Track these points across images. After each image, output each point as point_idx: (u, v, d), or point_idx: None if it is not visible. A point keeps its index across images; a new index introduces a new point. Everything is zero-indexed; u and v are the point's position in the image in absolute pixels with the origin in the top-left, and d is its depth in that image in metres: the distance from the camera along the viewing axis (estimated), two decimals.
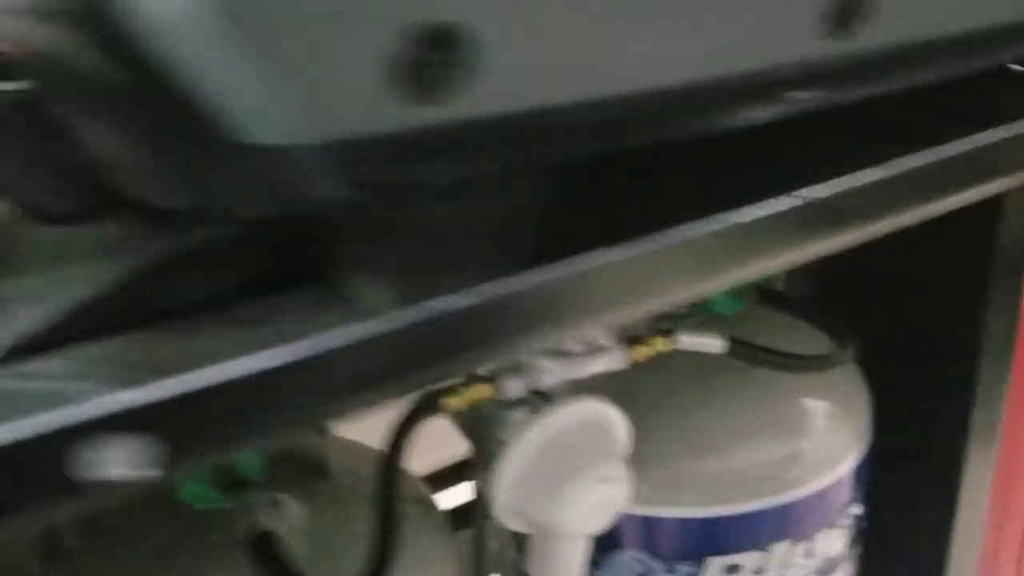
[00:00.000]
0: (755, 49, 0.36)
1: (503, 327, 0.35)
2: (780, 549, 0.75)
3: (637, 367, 0.67)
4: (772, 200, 0.41)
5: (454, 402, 0.59)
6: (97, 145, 0.33)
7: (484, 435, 0.66)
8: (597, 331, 0.59)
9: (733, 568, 0.75)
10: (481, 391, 0.60)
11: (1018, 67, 0.56)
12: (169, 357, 0.33)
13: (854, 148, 0.48)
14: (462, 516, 0.79)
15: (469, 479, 1.02)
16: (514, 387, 0.62)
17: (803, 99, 0.39)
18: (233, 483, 0.58)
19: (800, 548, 0.76)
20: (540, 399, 0.63)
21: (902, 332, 0.84)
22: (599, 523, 0.63)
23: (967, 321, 0.80)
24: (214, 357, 0.30)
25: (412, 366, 0.33)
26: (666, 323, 0.69)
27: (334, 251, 0.37)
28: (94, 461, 0.26)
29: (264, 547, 0.52)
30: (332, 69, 0.29)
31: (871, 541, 0.85)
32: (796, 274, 0.84)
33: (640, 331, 0.67)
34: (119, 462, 0.26)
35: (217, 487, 0.58)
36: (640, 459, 0.66)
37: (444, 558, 0.68)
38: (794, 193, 0.42)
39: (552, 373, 0.62)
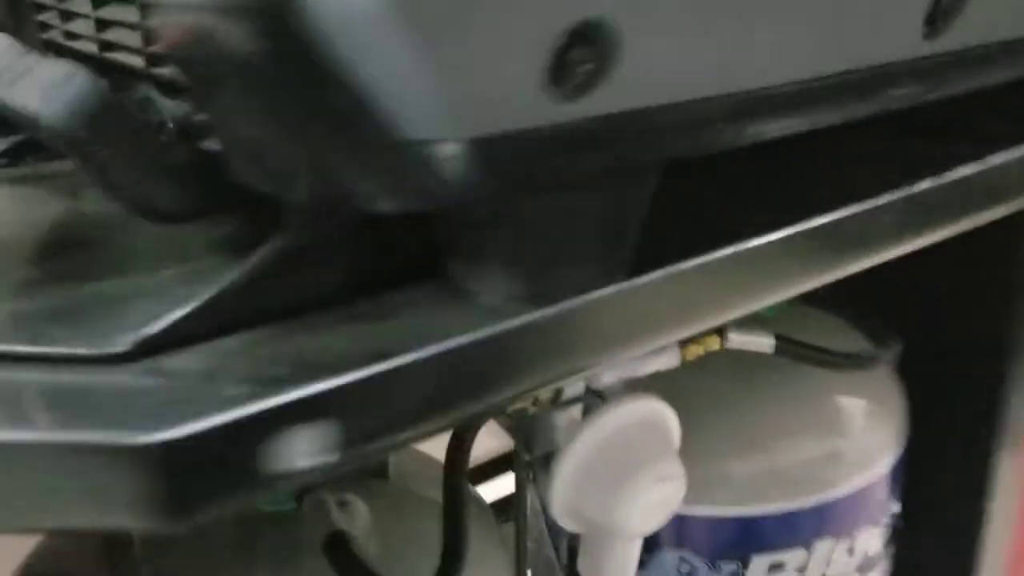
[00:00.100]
0: (868, 48, 0.37)
1: (629, 324, 0.35)
2: (823, 547, 0.76)
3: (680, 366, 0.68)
4: (864, 201, 0.42)
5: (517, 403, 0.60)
6: (235, 140, 0.33)
7: (533, 433, 0.66)
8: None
9: (777, 566, 0.76)
10: (543, 391, 0.60)
11: None
12: (302, 351, 0.33)
13: (916, 151, 0.50)
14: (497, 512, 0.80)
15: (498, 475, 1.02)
16: (572, 386, 0.63)
17: (902, 96, 0.40)
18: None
19: (842, 546, 0.77)
20: (596, 398, 0.63)
21: (932, 335, 0.85)
22: (656, 522, 0.63)
23: (995, 325, 0.81)
24: (356, 348, 0.31)
25: (552, 359, 0.33)
26: None
27: (450, 245, 0.38)
28: (281, 452, 0.26)
29: (338, 546, 0.52)
30: (488, 65, 0.29)
31: (903, 541, 0.86)
32: None
33: None
34: (303, 451, 0.27)
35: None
36: (684, 458, 0.66)
37: (498, 557, 0.69)
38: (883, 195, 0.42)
39: (610, 372, 0.63)
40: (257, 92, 0.29)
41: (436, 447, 0.62)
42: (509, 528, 0.77)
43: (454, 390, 0.31)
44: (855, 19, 0.36)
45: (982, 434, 0.85)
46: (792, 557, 0.76)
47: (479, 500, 0.71)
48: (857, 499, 0.77)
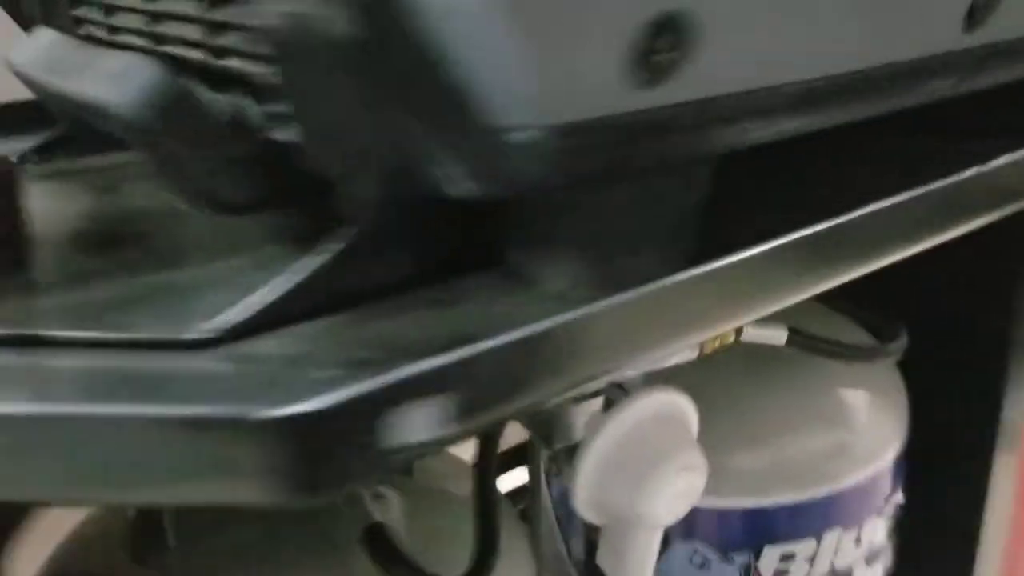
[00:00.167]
0: (914, 40, 0.39)
1: (695, 311, 0.36)
2: (832, 537, 0.78)
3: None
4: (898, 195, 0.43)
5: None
6: (318, 127, 0.34)
7: (552, 427, 0.67)
8: None
9: (788, 556, 0.77)
10: None
11: None
12: (385, 335, 0.34)
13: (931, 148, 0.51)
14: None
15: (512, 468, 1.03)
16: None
17: (939, 89, 0.41)
18: None
19: (850, 536, 0.79)
20: (619, 391, 0.64)
21: (932, 329, 0.87)
22: (680, 511, 0.64)
23: (997, 319, 0.84)
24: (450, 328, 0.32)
25: (629, 343, 0.35)
26: None
27: (512, 233, 0.39)
28: (400, 426, 0.27)
29: (377, 538, 0.53)
30: (577, 54, 0.30)
31: (904, 532, 0.88)
32: None
33: None
34: (419, 426, 0.27)
35: None
36: None
37: (521, 551, 0.69)
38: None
39: None
40: (352, 78, 0.30)
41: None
42: None
43: (547, 370, 0.32)
44: (904, 12, 0.38)
45: (981, 427, 0.87)
46: (803, 548, 0.77)
47: (499, 494, 0.71)
48: (864, 490, 0.79)
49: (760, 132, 0.36)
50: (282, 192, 0.41)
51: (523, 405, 0.31)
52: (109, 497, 0.29)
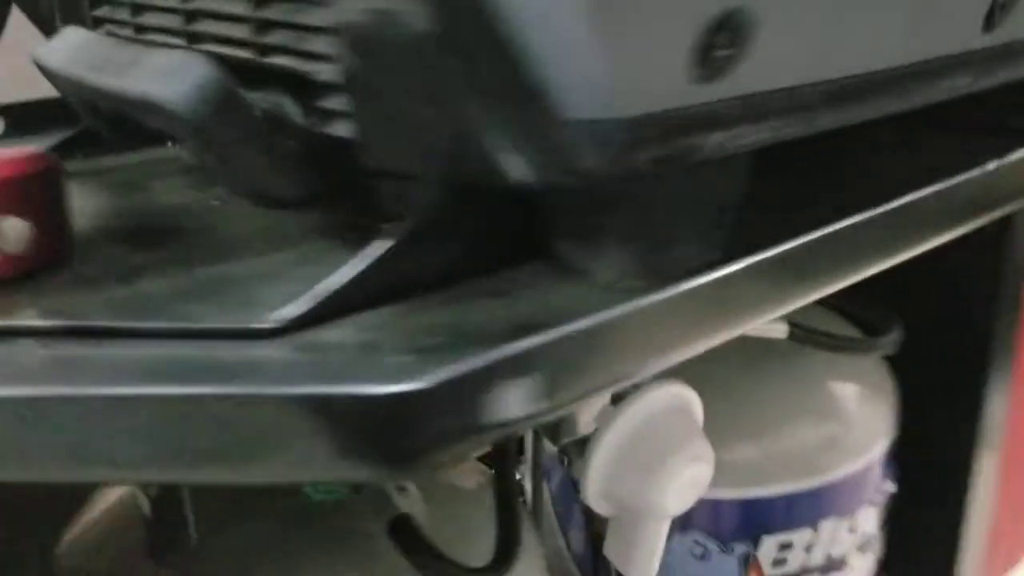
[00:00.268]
0: (940, 39, 0.40)
1: (748, 300, 0.38)
2: (827, 526, 0.80)
3: None
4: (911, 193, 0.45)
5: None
6: (383, 122, 0.35)
7: (559, 422, 0.68)
8: None
9: (786, 546, 0.79)
10: None
11: None
12: (448, 322, 0.35)
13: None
14: None
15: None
16: None
17: (960, 85, 0.43)
18: None
19: (844, 525, 0.81)
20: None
21: (918, 325, 0.90)
22: (690, 501, 0.66)
23: (980, 315, 0.86)
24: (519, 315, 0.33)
25: (692, 331, 0.36)
26: None
27: (560, 225, 0.40)
28: (498, 403, 0.28)
29: (404, 529, 0.54)
30: (647, 50, 0.31)
31: (893, 521, 0.90)
32: None
33: None
34: (515, 402, 0.29)
35: None
36: None
37: (531, 544, 0.71)
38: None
39: None
40: (428, 72, 0.31)
41: None
42: None
43: (619, 354, 0.33)
44: (933, 13, 0.40)
45: (964, 422, 0.90)
46: (800, 536, 0.79)
47: (518, 486, 0.72)
48: (858, 480, 0.81)
49: (800, 127, 0.38)
50: (329, 187, 0.42)
51: (600, 386, 0.33)
52: (233, 477, 0.29)
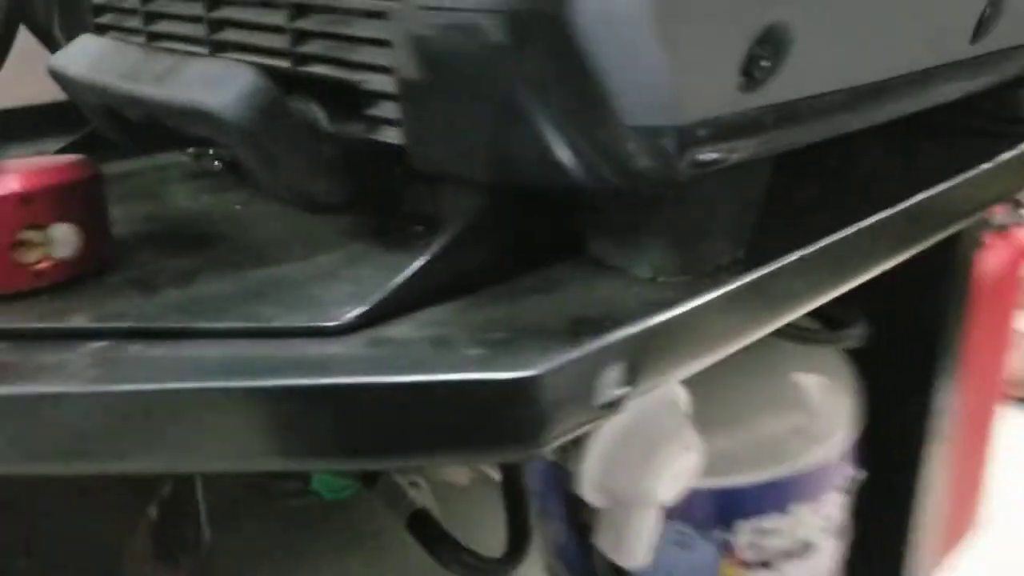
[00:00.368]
0: (936, 49, 0.44)
1: (790, 291, 0.41)
2: (798, 511, 0.83)
3: None
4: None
5: None
6: (441, 129, 0.36)
7: None
8: None
9: (761, 530, 0.83)
10: None
11: None
12: (506, 317, 0.37)
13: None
14: None
15: None
16: None
17: (950, 91, 0.47)
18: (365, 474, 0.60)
19: (814, 510, 0.85)
20: None
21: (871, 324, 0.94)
22: (680, 490, 0.69)
23: (930, 313, 0.91)
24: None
25: (747, 323, 0.39)
26: None
27: (597, 224, 0.42)
28: (604, 386, 0.31)
29: (423, 522, 0.55)
30: (703, 63, 0.34)
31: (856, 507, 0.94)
32: None
33: None
34: (612, 386, 0.31)
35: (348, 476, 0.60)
36: None
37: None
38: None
39: None
40: (501, 81, 0.33)
41: None
42: None
43: (697, 342, 0.36)
44: (932, 26, 0.43)
45: (917, 410, 0.95)
46: (773, 522, 0.83)
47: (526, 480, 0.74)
48: (825, 467, 0.85)
49: (822, 132, 0.41)
50: (365, 191, 0.43)
51: (675, 372, 0.35)
52: (363, 465, 0.31)
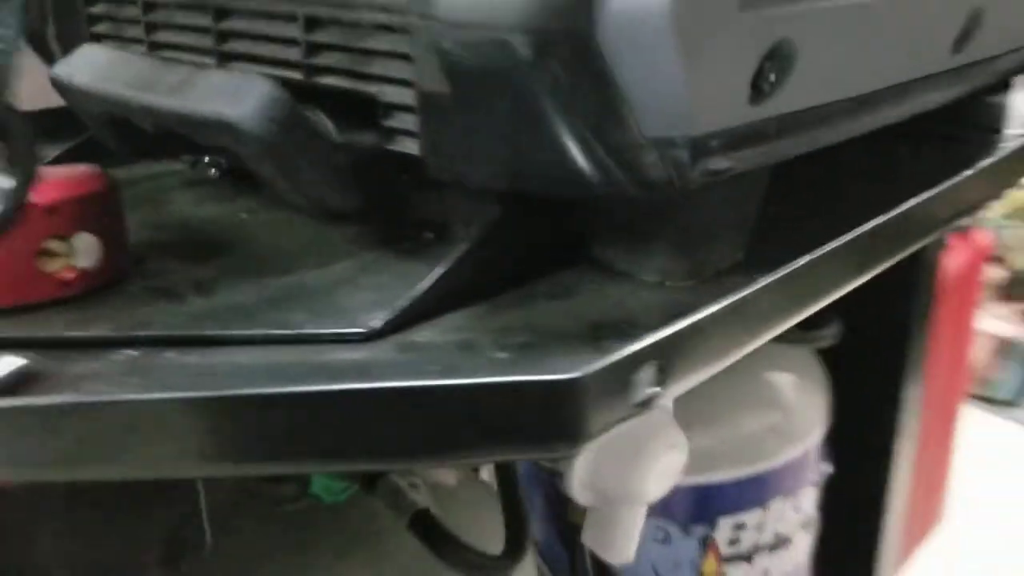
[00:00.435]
0: (923, 62, 0.46)
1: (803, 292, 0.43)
2: (776, 506, 0.86)
3: None
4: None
5: None
6: (463, 140, 0.38)
7: None
8: None
9: (739, 526, 0.85)
10: None
11: None
12: (524, 322, 0.38)
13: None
14: None
15: None
16: None
17: (932, 100, 0.50)
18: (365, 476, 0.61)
19: (789, 504, 0.87)
20: None
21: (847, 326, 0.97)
22: (667, 487, 0.70)
23: (898, 316, 0.94)
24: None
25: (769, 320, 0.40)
26: None
27: (604, 231, 0.44)
28: (639, 384, 0.32)
29: (425, 522, 0.56)
30: (719, 79, 0.36)
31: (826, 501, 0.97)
32: None
33: None
34: (646, 384, 0.33)
35: (348, 479, 0.61)
36: None
37: None
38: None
39: None
40: (526, 95, 0.35)
41: None
42: None
43: (719, 342, 0.38)
44: (919, 41, 0.45)
45: (886, 408, 0.98)
46: (751, 517, 0.85)
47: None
48: (800, 463, 0.87)
49: (818, 140, 0.43)
50: (378, 199, 0.44)
51: (699, 373, 0.37)
52: (433, 463, 0.32)
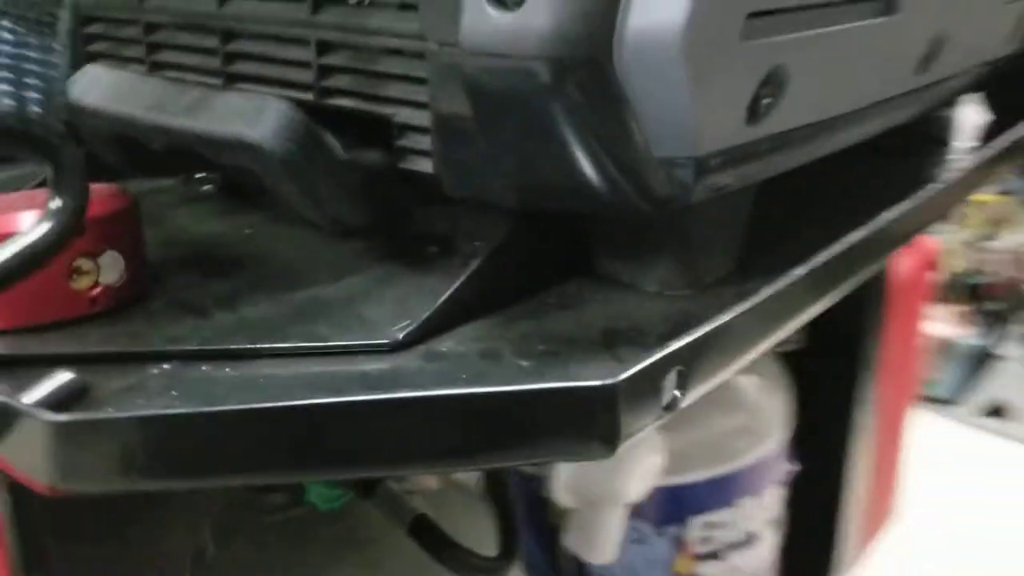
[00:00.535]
0: (891, 82, 0.50)
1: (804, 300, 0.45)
2: (744, 504, 0.89)
3: None
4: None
5: None
6: (476, 159, 0.40)
7: None
8: None
9: (710, 525, 0.88)
10: None
11: None
12: (542, 331, 0.40)
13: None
14: None
15: None
16: None
17: (899, 116, 0.53)
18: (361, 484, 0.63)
19: (757, 503, 0.90)
20: None
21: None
22: (647, 488, 0.73)
23: (853, 324, 0.99)
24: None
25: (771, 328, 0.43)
26: None
27: (606, 244, 0.46)
28: (667, 388, 0.34)
29: (424, 527, 0.58)
30: (722, 103, 0.38)
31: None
32: None
33: None
34: (671, 389, 0.35)
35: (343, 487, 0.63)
36: None
37: None
38: None
39: None
40: (546, 120, 0.37)
41: None
42: None
43: (734, 349, 0.40)
44: (888, 63, 0.49)
45: (842, 408, 1.02)
46: (721, 516, 0.88)
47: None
48: (767, 462, 0.91)
49: (805, 155, 0.46)
50: (387, 215, 0.46)
51: (716, 377, 0.39)
52: (491, 464, 0.34)
